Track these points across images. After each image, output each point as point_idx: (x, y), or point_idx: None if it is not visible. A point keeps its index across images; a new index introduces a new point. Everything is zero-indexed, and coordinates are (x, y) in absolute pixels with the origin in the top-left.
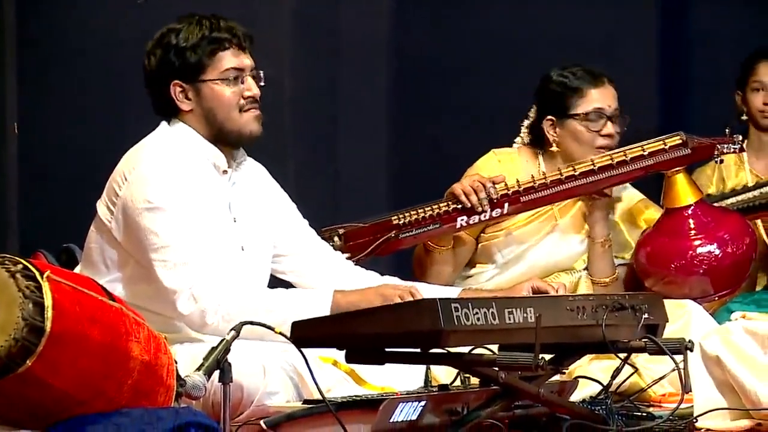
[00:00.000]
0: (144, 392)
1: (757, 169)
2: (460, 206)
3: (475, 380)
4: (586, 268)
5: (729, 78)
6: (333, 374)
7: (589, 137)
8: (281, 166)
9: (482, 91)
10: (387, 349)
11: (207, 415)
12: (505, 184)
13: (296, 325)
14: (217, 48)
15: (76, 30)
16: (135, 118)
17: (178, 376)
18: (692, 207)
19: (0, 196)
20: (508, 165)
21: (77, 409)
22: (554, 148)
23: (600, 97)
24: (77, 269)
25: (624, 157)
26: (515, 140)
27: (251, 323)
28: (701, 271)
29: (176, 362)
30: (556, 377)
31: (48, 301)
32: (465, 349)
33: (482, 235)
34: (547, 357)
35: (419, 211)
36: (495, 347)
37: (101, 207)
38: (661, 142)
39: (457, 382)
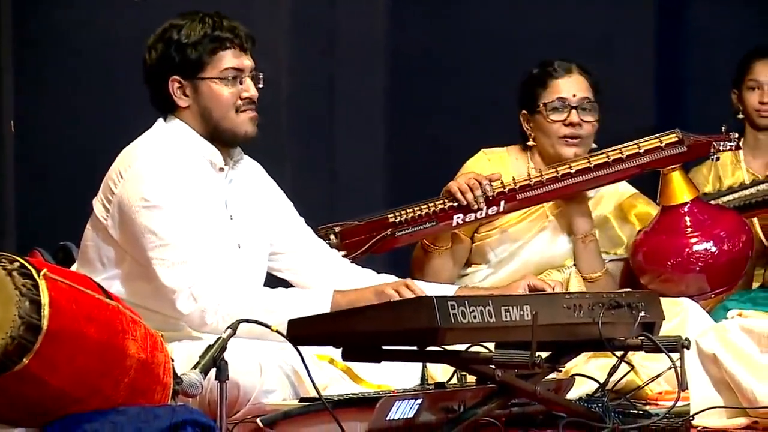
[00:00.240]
0: (141, 390)
1: (753, 167)
2: (456, 204)
3: (471, 378)
4: (575, 265)
5: (725, 77)
6: (329, 372)
7: (554, 128)
8: (278, 164)
9: (479, 90)
10: (383, 347)
11: (204, 413)
12: (501, 182)
13: (293, 323)
14: (219, 47)
15: (73, 29)
16: (133, 118)
17: (175, 374)
18: (688, 204)
19: None
20: (498, 164)
21: (74, 406)
22: (530, 143)
23: (563, 87)
24: (74, 267)
25: (620, 155)
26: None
27: (248, 321)
28: (698, 268)
29: (173, 360)
30: (553, 375)
31: (44, 299)
32: (461, 347)
33: (476, 234)
34: (544, 355)
35: (415, 209)
36: (491, 345)
37: (97, 205)
38: (658, 139)
39: (454, 380)
